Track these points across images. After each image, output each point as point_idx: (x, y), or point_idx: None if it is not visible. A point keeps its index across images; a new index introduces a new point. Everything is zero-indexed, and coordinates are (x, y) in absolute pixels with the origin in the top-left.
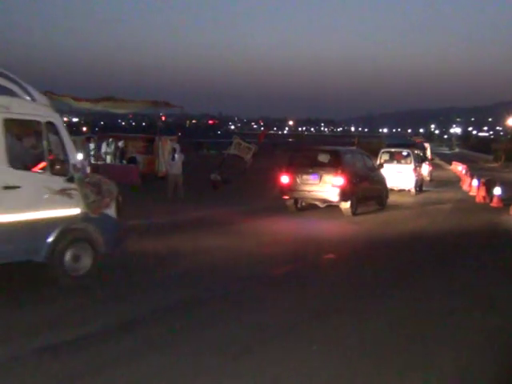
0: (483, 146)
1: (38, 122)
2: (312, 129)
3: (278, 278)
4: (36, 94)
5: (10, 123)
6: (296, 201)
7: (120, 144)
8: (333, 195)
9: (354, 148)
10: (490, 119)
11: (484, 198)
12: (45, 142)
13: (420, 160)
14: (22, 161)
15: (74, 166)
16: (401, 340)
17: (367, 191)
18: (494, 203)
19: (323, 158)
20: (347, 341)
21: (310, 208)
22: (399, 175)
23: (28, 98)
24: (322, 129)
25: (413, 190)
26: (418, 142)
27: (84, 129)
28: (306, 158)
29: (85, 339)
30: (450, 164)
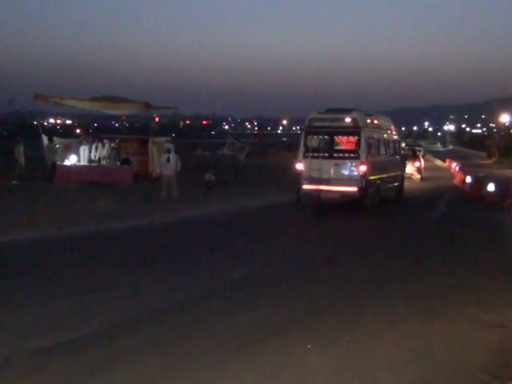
0: (477, 142)
1: (397, 140)
2: None
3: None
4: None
5: (395, 139)
6: None
7: (113, 145)
8: (414, 172)
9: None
10: (483, 116)
11: (478, 194)
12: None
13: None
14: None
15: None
16: None
17: (422, 169)
18: (488, 199)
19: (407, 152)
20: None
21: None
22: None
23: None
24: None
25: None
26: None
27: (78, 131)
28: None
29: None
30: (444, 161)
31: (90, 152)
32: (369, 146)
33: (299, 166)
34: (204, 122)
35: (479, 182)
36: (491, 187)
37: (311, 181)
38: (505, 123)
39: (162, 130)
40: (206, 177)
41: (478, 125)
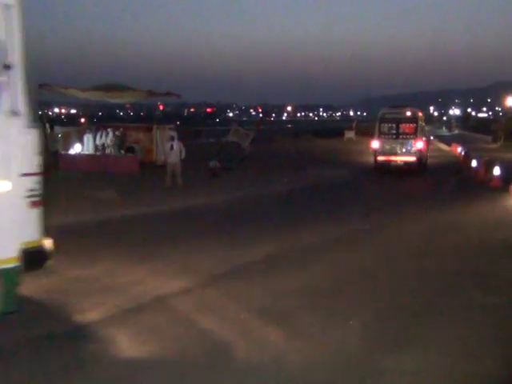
0: (482, 126)
1: (425, 125)
2: (311, 114)
3: None
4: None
5: (424, 125)
6: None
7: (117, 133)
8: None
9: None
10: (488, 100)
11: (484, 177)
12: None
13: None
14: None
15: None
16: None
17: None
18: (494, 183)
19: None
20: None
21: None
22: None
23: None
24: (321, 114)
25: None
26: None
27: (82, 120)
28: None
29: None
30: (449, 145)
31: (94, 141)
32: (420, 130)
33: (375, 145)
34: (208, 110)
35: (484, 166)
36: (496, 171)
37: (384, 154)
38: (511, 106)
39: (167, 118)
40: (211, 164)
41: (484, 109)
